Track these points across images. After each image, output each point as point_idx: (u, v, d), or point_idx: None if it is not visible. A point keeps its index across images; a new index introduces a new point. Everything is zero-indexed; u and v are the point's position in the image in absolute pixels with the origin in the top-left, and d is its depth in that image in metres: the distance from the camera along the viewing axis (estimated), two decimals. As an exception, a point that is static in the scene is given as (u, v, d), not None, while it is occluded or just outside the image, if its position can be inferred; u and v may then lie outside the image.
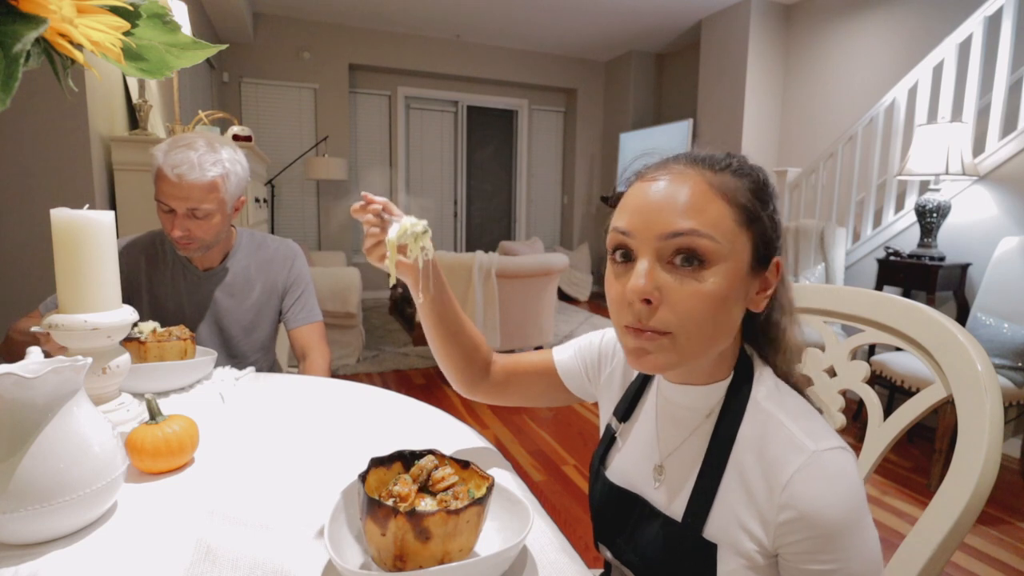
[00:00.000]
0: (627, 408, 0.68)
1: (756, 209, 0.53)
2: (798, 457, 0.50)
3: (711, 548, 0.54)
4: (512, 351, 3.79)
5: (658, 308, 0.51)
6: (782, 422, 0.53)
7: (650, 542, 0.58)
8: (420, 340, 4.04)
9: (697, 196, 0.51)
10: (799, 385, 0.60)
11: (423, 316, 0.73)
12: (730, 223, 0.51)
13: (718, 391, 0.58)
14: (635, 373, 0.70)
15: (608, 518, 0.65)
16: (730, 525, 0.53)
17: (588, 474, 0.72)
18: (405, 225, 0.65)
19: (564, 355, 0.78)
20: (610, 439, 0.69)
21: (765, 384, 0.57)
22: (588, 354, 0.76)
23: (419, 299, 0.71)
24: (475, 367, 0.77)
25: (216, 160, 1.17)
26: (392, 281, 0.65)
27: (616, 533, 0.63)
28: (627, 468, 0.65)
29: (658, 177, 0.54)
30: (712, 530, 0.54)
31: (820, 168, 3.57)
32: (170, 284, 1.29)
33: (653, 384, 0.66)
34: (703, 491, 0.55)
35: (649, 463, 0.62)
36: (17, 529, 0.53)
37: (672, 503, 0.58)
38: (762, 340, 0.60)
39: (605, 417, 0.73)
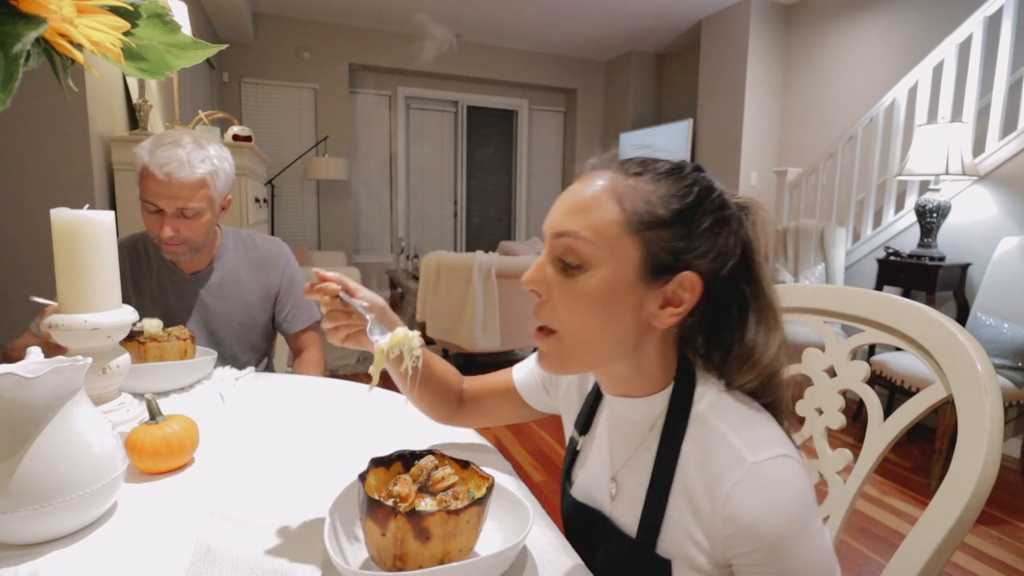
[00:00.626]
0: (585, 421, 0.67)
1: (660, 217, 0.50)
2: (737, 470, 0.49)
3: (665, 564, 0.53)
4: (512, 351, 3.80)
5: (545, 304, 0.54)
6: (723, 434, 0.52)
7: (610, 558, 0.58)
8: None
9: (589, 199, 0.52)
10: (776, 393, 0.56)
11: (393, 374, 0.70)
12: (614, 228, 0.50)
13: (659, 403, 0.56)
14: (590, 384, 0.68)
15: (575, 535, 0.63)
16: (682, 540, 0.53)
17: None
18: (400, 337, 0.60)
19: (521, 372, 0.77)
20: (573, 453, 0.68)
21: (707, 395, 0.55)
22: (543, 372, 0.75)
23: (406, 396, 0.73)
24: (448, 403, 0.78)
25: (204, 157, 1.15)
26: (373, 386, 0.62)
27: (581, 549, 0.61)
28: (587, 483, 0.65)
29: (579, 178, 0.55)
30: (664, 546, 0.54)
31: (820, 168, 3.57)
32: (156, 289, 1.26)
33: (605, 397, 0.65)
34: (653, 507, 0.54)
35: (605, 477, 0.61)
36: (17, 529, 0.53)
37: (627, 518, 0.58)
38: (715, 352, 0.56)
39: (568, 430, 0.72)
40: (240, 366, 1.34)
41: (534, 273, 0.53)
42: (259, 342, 1.40)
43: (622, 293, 0.51)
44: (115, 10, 0.54)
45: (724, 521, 0.49)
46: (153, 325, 1.04)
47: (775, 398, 0.56)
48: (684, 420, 0.54)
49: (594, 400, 0.66)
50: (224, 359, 1.31)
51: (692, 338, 0.57)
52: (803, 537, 0.48)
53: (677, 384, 0.56)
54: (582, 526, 0.63)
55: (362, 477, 0.52)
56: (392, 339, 0.60)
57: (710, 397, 0.55)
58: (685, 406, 0.55)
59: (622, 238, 0.50)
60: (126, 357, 0.84)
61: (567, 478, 0.68)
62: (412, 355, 0.61)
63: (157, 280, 1.27)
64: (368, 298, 0.67)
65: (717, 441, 0.52)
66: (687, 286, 0.52)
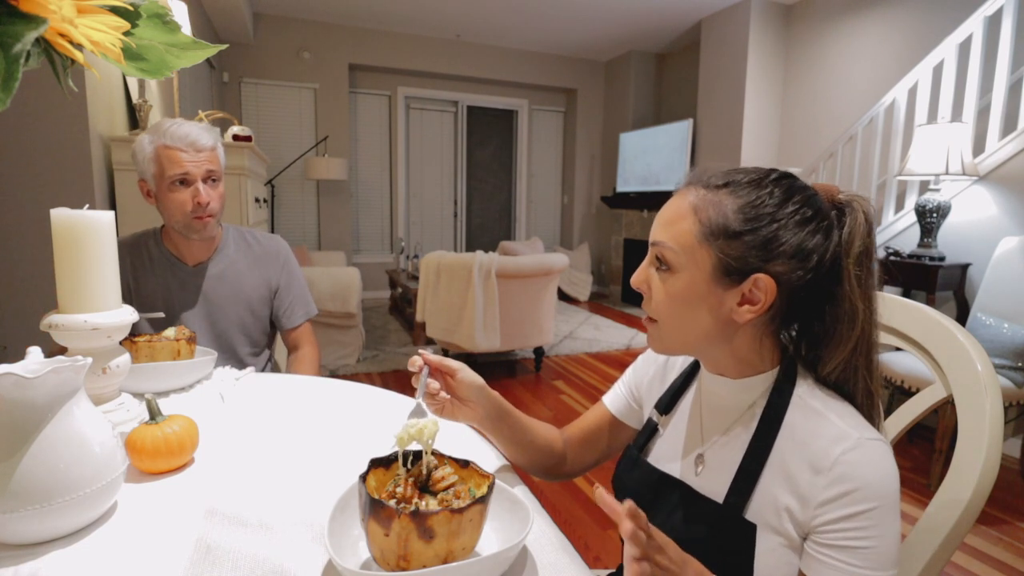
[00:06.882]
0: (669, 402, 0.73)
1: (731, 228, 0.57)
2: (844, 441, 0.54)
3: (751, 528, 0.58)
4: (512, 351, 3.80)
5: (649, 300, 0.63)
6: (827, 416, 0.57)
7: (689, 523, 0.62)
8: (419, 340, 4.05)
9: (674, 213, 0.61)
10: (853, 392, 0.61)
11: (498, 440, 0.78)
12: (691, 238, 0.58)
13: (758, 385, 0.63)
14: (676, 372, 0.75)
15: (646, 501, 0.67)
16: (770, 507, 0.58)
17: (617, 461, 0.76)
18: (411, 433, 0.61)
19: (612, 395, 0.84)
20: (651, 430, 0.74)
21: (806, 385, 0.61)
22: (629, 381, 0.82)
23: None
24: (555, 457, 0.82)
25: (208, 128, 1.27)
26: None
27: (652, 516, 0.66)
28: (668, 455, 0.70)
29: (677, 192, 0.63)
30: (752, 511, 0.59)
31: (820, 168, 3.57)
32: (159, 283, 1.30)
33: (696, 380, 0.72)
34: (746, 475, 0.59)
35: (691, 452, 0.67)
36: (17, 529, 0.53)
37: (713, 488, 0.62)
38: (804, 343, 0.64)
39: (647, 414, 0.77)
40: (240, 360, 1.35)
41: (639, 275, 0.64)
42: (259, 337, 1.42)
43: (700, 293, 0.59)
44: (115, 10, 0.54)
45: (829, 484, 0.54)
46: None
47: (853, 391, 0.61)
48: (786, 402, 0.60)
49: (680, 385, 0.73)
50: (225, 352, 1.33)
51: (788, 329, 0.65)
52: (894, 511, 0.53)
53: (781, 370, 0.62)
54: (657, 493, 0.68)
55: (362, 478, 0.52)
56: (406, 428, 0.61)
57: (808, 386, 0.61)
58: (787, 390, 0.61)
59: (696, 248, 0.58)
60: (126, 357, 0.83)
61: (640, 451, 0.73)
62: (430, 444, 0.64)
63: (159, 274, 1.30)
64: (467, 381, 0.71)
65: (821, 422, 0.57)
66: (761, 287, 0.57)
